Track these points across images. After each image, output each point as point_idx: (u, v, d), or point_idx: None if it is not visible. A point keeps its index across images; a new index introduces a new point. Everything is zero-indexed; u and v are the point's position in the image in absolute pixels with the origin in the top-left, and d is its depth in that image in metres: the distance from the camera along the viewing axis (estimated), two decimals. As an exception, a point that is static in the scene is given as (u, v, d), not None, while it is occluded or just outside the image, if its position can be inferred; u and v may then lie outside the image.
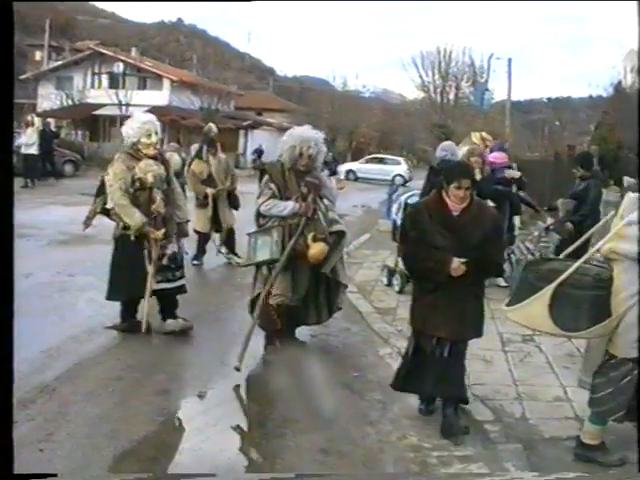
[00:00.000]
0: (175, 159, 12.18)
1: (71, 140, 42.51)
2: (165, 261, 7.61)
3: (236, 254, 11.94)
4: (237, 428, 5.58)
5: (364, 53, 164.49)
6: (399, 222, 10.63)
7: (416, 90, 61.16)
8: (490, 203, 10.00)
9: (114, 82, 48.86)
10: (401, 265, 10.12)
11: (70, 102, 48.13)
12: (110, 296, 7.78)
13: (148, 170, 7.41)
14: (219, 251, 12.35)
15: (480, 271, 5.41)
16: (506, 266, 10.59)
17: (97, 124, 49.00)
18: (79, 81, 50.69)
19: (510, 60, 43.12)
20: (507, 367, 7.02)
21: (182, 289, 7.89)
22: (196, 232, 11.63)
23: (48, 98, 49.59)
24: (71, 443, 5.05)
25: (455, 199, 5.36)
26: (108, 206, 7.56)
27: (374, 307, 9.54)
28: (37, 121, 29.79)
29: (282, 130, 57.47)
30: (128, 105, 44.21)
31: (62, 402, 5.76)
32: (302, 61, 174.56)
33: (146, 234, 7.40)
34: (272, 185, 7.13)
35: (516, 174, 11.16)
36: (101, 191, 9.19)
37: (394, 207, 11.14)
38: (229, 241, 12.24)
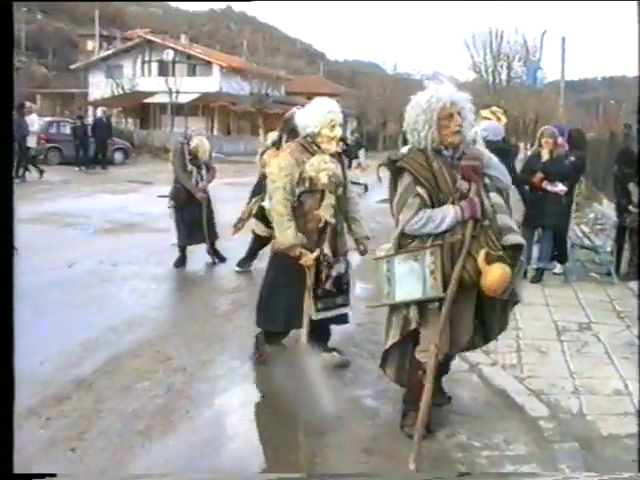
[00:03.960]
0: (205, 143, 10.75)
1: (121, 128, 42.73)
2: (329, 285, 6.07)
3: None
4: (274, 424, 5.33)
5: (415, 36, 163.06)
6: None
7: (467, 71, 60.35)
8: (560, 186, 9.66)
9: (164, 69, 48.92)
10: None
11: (120, 90, 48.38)
12: (261, 324, 6.43)
13: (322, 168, 5.85)
14: None
15: None
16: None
17: (147, 112, 49.32)
18: (129, 69, 50.99)
19: (564, 39, 42.32)
20: (563, 358, 6.64)
21: (343, 319, 6.43)
22: (253, 234, 9.50)
23: (98, 87, 50.03)
24: (103, 441, 4.84)
25: None
26: (265, 204, 6.41)
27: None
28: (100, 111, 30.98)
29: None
30: (178, 92, 44.28)
31: (97, 397, 5.56)
32: (353, 45, 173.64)
33: (295, 256, 5.89)
34: (419, 189, 4.68)
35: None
36: (259, 189, 7.81)
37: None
38: None
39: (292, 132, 9.30)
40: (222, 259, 10.68)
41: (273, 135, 9.70)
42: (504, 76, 54.69)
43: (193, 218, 10.32)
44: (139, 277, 9.65)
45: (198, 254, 10.55)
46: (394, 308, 4.88)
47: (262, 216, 7.17)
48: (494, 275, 4.47)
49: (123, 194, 19.83)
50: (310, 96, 45.98)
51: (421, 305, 4.68)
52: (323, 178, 5.84)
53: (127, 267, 10.21)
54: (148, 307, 8.22)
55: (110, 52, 55.31)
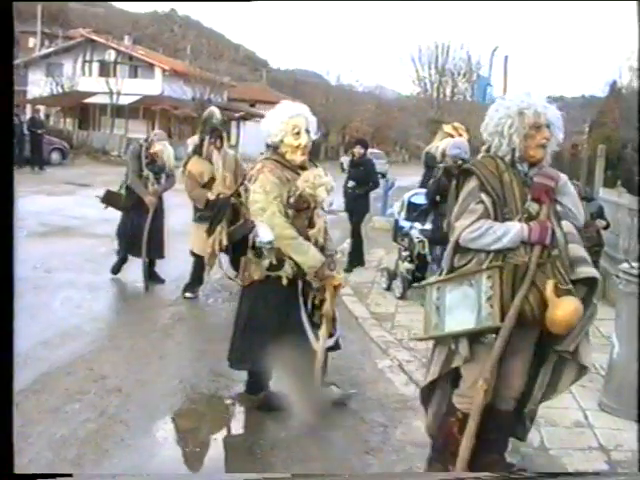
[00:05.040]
0: (169, 150, 9.65)
1: (59, 128, 41.78)
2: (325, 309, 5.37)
3: None
4: (221, 455, 4.94)
5: (359, 48, 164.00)
6: (402, 222, 9.98)
7: (412, 85, 60.73)
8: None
9: (105, 70, 48.08)
10: (402, 268, 9.49)
11: (60, 89, 47.36)
12: (235, 363, 5.51)
13: (319, 184, 5.17)
14: (229, 277, 9.52)
15: None
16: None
17: (87, 112, 48.35)
18: (69, 68, 49.89)
19: (506, 57, 42.63)
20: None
21: (337, 344, 5.63)
22: (192, 254, 8.86)
23: (38, 85, 48.85)
24: (29, 471, 4.41)
25: None
26: (260, 239, 5.17)
27: (371, 312, 8.92)
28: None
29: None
30: (119, 94, 43.50)
31: (25, 420, 5.08)
32: (296, 54, 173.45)
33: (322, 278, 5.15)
34: (484, 196, 4.04)
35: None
36: (222, 214, 5.72)
37: (396, 205, 10.43)
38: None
39: (213, 132, 8.77)
40: (160, 281, 9.72)
41: (194, 140, 9.05)
42: (448, 91, 55.11)
43: (138, 227, 9.34)
44: (74, 285, 9.17)
45: (137, 262, 10.05)
46: (440, 341, 4.19)
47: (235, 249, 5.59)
48: (566, 309, 3.83)
49: (59, 196, 19.21)
50: (253, 104, 45.76)
51: (472, 338, 4.02)
52: (322, 194, 5.19)
53: (62, 274, 9.72)
54: (83, 319, 7.77)
55: (51, 50, 54.09)
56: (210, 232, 5.54)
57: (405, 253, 9.58)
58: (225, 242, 5.41)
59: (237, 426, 5.44)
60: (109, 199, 9.69)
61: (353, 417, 5.56)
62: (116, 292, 9.36)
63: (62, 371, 6.17)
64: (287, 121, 5.23)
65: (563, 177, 4.18)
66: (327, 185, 5.23)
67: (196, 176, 8.59)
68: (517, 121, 4.09)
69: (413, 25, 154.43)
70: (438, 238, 8.84)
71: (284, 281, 5.15)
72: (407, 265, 9.52)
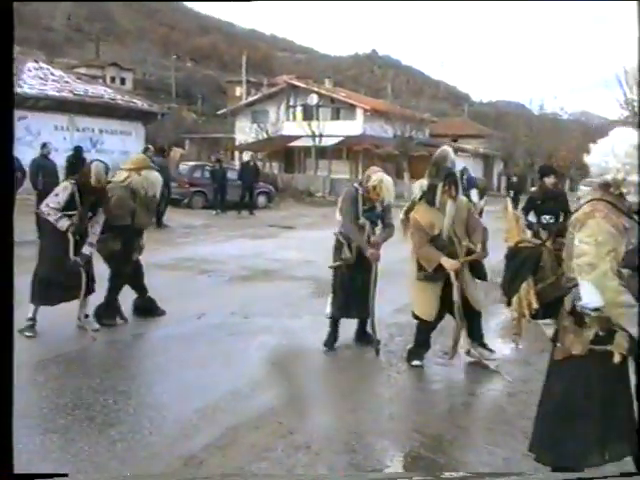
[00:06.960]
0: (389, 183, 8.10)
1: (265, 172, 43.08)
2: None
3: (485, 345, 7.92)
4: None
5: (562, 75, 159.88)
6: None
7: (619, 109, 57.88)
8: None
9: (308, 114, 49.17)
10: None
11: (264, 135, 48.96)
12: (539, 453, 4.39)
13: None
14: (467, 352, 7.93)
15: None
16: None
17: (292, 156, 49.67)
18: (273, 114, 51.55)
19: None
20: None
21: None
22: (415, 318, 7.81)
23: (243, 132, 50.95)
24: None
25: None
26: (589, 304, 4.08)
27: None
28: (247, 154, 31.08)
29: (478, 156, 56.20)
30: (321, 136, 44.24)
31: (207, 480, 4.84)
32: (497, 85, 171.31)
33: None
34: None
35: None
36: (528, 268, 4.60)
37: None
38: (472, 327, 7.82)
39: (447, 178, 7.48)
40: (376, 343, 8.16)
41: (422, 184, 7.78)
42: (660, 112, 52.07)
43: (355, 284, 8.15)
44: (270, 331, 8.85)
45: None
46: None
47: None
48: None
49: (263, 239, 19.38)
50: (455, 138, 45.19)
51: None
52: None
53: (259, 319, 9.48)
54: (276, 367, 7.46)
55: (255, 98, 56.32)
56: (512, 290, 4.60)
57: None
58: (535, 305, 4.44)
59: None
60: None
61: None
62: (314, 338, 8.57)
63: (250, 425, 5.85)
64: (631, 152, 4.05)
65: None
66: None
67: (425, 228, 7.41)
68: None
69: (616, 47, 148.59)
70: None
71: (615, 358, 4.03)
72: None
